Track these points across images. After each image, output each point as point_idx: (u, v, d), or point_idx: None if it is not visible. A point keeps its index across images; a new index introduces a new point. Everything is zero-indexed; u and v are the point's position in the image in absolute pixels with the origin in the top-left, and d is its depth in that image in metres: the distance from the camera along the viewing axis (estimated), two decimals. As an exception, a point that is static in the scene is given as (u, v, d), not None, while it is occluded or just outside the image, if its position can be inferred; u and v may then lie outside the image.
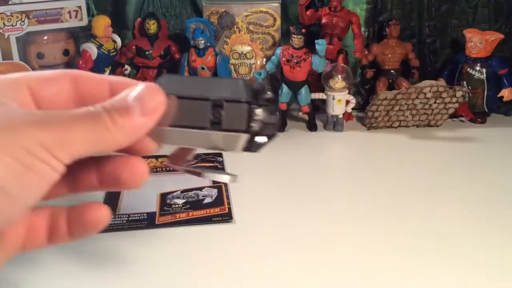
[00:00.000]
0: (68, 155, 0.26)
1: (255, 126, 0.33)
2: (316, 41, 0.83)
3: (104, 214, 0.31)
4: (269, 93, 0.33)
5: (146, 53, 0.94)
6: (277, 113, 0.33)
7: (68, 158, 0.26)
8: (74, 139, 0.26)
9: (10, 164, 0.24)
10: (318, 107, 0.94)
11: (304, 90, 0.88)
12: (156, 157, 0.78)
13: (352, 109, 0.91)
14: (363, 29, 0.95)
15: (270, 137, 0.34)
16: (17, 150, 0.24)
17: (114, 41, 0.92)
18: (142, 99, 0.28)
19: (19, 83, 0.29)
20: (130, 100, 0.28)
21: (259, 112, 0.33)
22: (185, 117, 0.32)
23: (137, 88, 0.29)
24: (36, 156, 0.25)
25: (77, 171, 0.32)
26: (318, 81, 0.90)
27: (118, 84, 0.31)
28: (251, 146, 0.34)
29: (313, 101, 0.90)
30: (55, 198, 0.32)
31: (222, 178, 0.38)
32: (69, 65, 0.95)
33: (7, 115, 0.25)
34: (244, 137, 0.33)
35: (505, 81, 0.91)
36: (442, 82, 0.92)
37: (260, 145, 0.34)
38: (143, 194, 0.68)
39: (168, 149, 0.36)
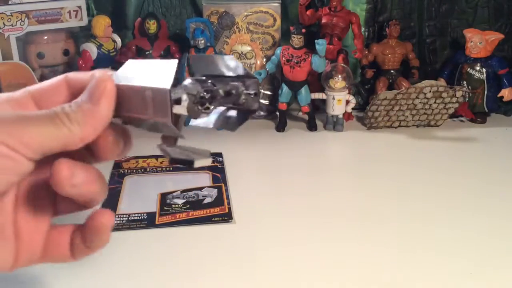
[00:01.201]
0: (30, 150, 0.29)
1: (182, 107, 0.33)
2: (316, 41, 0.83)
3: (105, 220, 0.33)
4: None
5: (146, 53, 0.94)
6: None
7: (31, 152, 0.29)
8: (33, 136, 0.29)
9: None
10: (318, 107, 0.94)
11: (304, 90, 0.88)
12: (156, 157, 0.78)
13: (352, 109, 0.91)
14: (363, 29, 0.95)
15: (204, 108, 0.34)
16: None
17: (114, 41, 0.92)
18: (90, 89, 0.31)
19: (24, 100, 0.33)
20: (81, 95, 0.32)
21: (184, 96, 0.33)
22: (135, 105, 0.33)
23: (91, 82, 0.32)
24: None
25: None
26: (318, 81, 0.90)
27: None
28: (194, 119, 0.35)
29: (313, 101, 0.90)
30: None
31: (204, 161, 0.38)
32: (69, 65, 0.95)
33: None
34: (172, 126, 0.33)
35: (505, 81, 0.91)
36: (442, 82, 0.92)
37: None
38: (143, 194, 0.68)
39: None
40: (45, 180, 0.33)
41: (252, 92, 0.34)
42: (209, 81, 0.34)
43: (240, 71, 0.34)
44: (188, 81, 0.33)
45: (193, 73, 0.34)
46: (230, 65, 0.34)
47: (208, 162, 0.36)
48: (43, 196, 0.34)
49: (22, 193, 0.33)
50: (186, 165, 0.36)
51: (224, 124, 0.35)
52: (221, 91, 0.34)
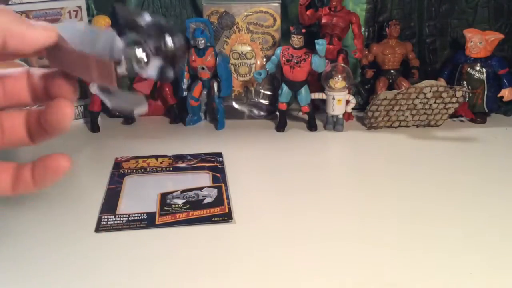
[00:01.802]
0: None
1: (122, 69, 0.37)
2: (316, 41, 0.83)
3: (64, 163, 0.36)
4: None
5: (146, 53, 0.94)
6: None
7: None
8: None
9: None
10: (318, 107, 0.94)
11: (304, 90, 0.88)
12: (156, 157, 0.78)
13: (352, 109, 0.91)
14: (363, 29, 0.95)
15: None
16: None
17: (114, 41, 0.92)
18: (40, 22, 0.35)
19: None
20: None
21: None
22: (78, 67, 0.36)
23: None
24: None
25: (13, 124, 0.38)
26: (318, 81, 0.90)
27: None
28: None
29: (313, 101, 0.90)
30: None
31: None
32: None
33: None
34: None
35: (505, 81, 0.91)
36: (442, 82, 0.92)
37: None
38: (143, 194, 0.68)
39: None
40: None
41: (178, 45, 0.37)
42: (142, 40, 0.37)
43: (164, 26, 0.38)
44: (121, 42, 0.36)
45: (119, 24, 0.38)
46: (150, 19, 0.38)
47: (145, 109, 0.39)
48: None
49: None
50: (127, 114, 0.40)
51: (162, 75, 0.39)
52: (152, 49, 0.37)
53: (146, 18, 0.38)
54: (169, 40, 0.37)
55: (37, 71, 0.38)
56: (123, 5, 0.39)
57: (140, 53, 0.37)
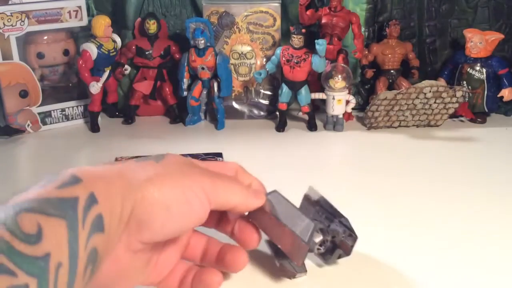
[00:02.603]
0: (215, 199, 0.38)
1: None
2: (316, 41, 0.83)
3: (217, 279, 0.41)
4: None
5: (146, 53, 0.94)
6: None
7: (214, 200, 0.38)
8: (223, 192, 0.39)
9: (178, 194, 0.37)
10: (318, 107, 0.94)
11: (304, 90, 0.88)
12: (156, 157, 0.78)
13: (352, 109, 0.91)
14: (363, 29, 0.95)
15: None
16: (185, 187, 0.37)
17: (114, 41, 0.92)
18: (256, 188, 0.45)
19: None
20: (253, 187, 0.45)
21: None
22: (273, 229, 0.43)
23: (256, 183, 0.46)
24: (195, 192, 0.37)
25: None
26: (318, 81, 0.90)
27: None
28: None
29: (313, 101, 0.90)
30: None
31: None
32: (69, 65, 0.95)
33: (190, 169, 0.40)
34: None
35: (505, 81, 0.91)
36: (442, 82, 0.92)
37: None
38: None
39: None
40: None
41: (350, 243, 0.46)
42: (327, 230, 0.47)
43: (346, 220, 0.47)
44: (316, 233, 0.46)
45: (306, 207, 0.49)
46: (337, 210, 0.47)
47: (304, 275, 0.48)
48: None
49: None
50: (288, 276, 0.48)
51: (326, 259, 0.48)
52: (329, 239, 0.47)
53: (334, 207, 0.47)
54: (340, 232, 0.46)
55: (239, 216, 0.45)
56: (313, 191, 0.50)
57: (320, 239, 0.46)
